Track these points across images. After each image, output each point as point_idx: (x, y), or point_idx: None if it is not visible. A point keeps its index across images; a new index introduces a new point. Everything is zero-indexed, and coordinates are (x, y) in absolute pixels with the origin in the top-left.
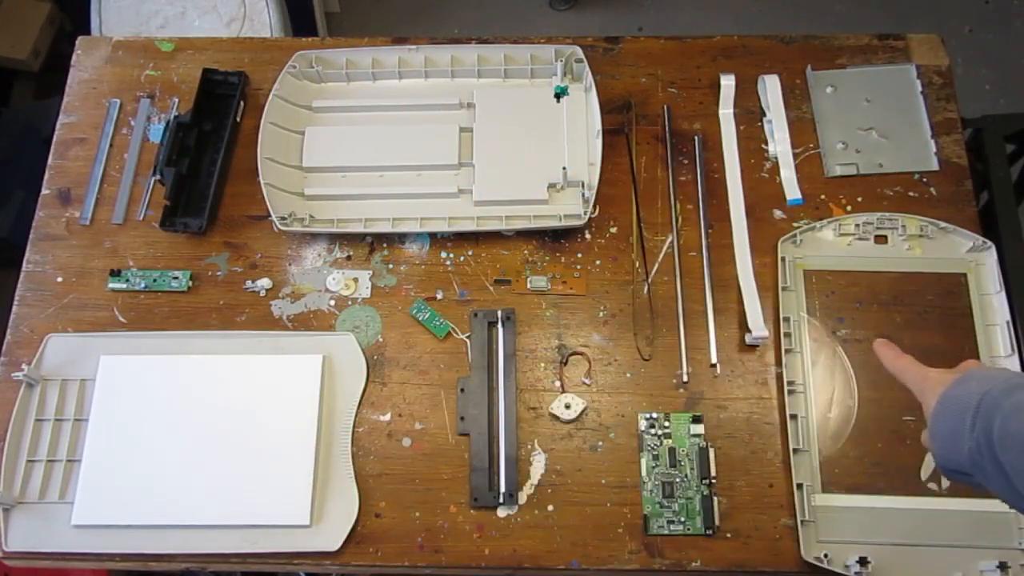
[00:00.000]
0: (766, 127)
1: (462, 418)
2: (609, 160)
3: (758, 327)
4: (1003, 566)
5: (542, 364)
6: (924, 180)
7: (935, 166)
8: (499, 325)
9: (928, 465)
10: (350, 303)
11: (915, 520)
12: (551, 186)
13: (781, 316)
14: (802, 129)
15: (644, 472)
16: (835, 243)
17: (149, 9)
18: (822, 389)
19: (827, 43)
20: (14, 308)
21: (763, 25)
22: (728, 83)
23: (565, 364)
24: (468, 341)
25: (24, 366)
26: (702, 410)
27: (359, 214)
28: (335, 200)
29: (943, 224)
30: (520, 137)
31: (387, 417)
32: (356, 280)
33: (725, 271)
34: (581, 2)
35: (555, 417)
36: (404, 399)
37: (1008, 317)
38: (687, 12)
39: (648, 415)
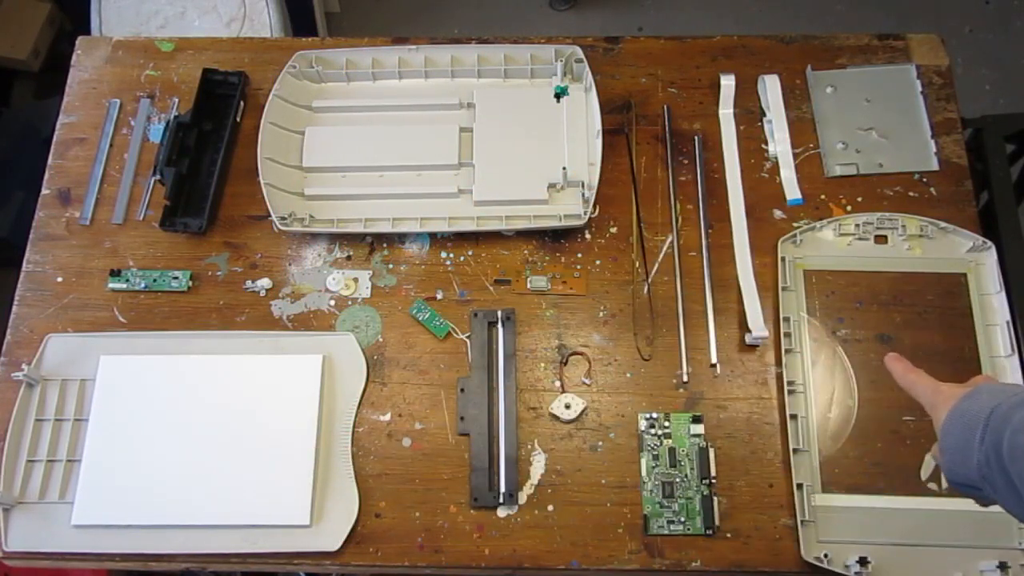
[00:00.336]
0: (766, 127)
1: (462, 418)
2: (609, 160)
3: (758, 327)
4: (1003, 566)
5: (542, 364)
6: (924, 180)
7: (935, 166)
8: (499, 325)
9: (928, 465)
10: (350, 303)
11: (915, 520)
12: (551, 186)
13: (781, 316)
14: (802, 129)
15: (644, 472)
16: (835, 243)
17: (149, 9)
18: (822, 389)
19: (827, 43)
20: (14, 308)
21: (763, 25)
22: (728, 83)
23: (565, 364)
24: (468, 341)
25: (24, 366)
26: (702, 410)
27: (359, 214)
28: (335, 200)
29: (943, 224)
30: (520, 137)
31: (387, 417)
32: (356, 280)
33: (725, 271)
34: (581, 2)
35: (555, 417)
36: (404, 399)
37: (1008, 317)
38: (687, 12)
39: (648, 415)
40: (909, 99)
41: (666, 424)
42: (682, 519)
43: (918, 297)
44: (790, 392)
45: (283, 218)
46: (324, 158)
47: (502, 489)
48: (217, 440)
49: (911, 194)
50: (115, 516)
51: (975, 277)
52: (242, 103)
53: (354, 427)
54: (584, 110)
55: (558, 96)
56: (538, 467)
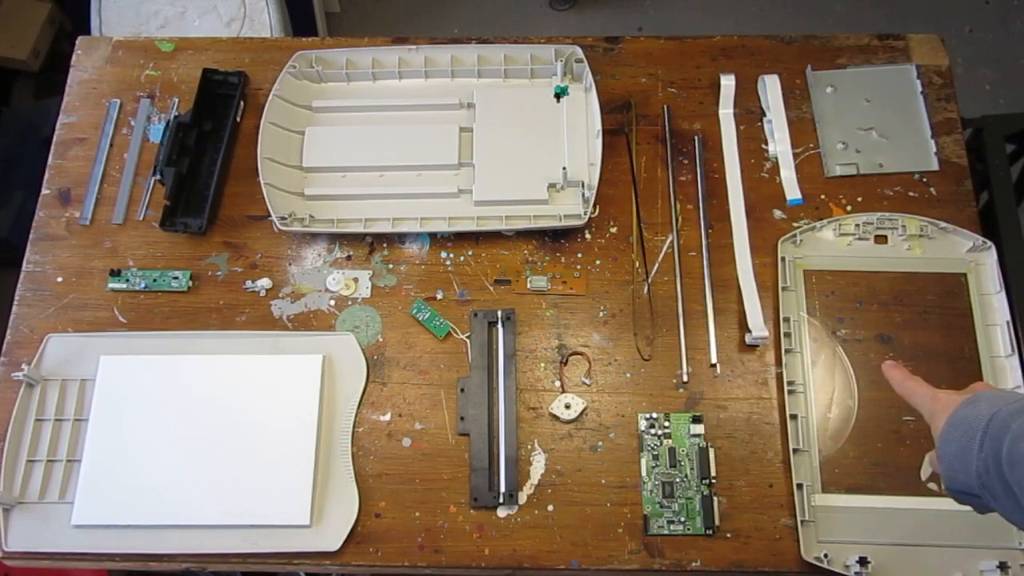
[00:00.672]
0: (766, 127)
1: (462, 418)
2: (609, 160)
3: (758, 327)
4: (1003, 566)
5: (542, 364)
6: (924, 180)
7: (935, 166)
8: (499, 325)
9: (927, 465)
10: (350, 303)
11: (915, 520)
12: (551, 186)
13: (781, 316)
14: (802, 129)
15: (644, 472)
16: (835, 243)
17: (149, 9)
18: (822, 389)
19: (827, 43)
20: (14, 308)
21: (763, 25)
22: (728, 83)
23: (565, 364)
24: (468, 341)
25: (24, 366)
26: (702, 410)
27: (359, 214)
28: (335, 200)
29: (943, 224)
30: (520, 137)
31: (387, 417)
32: (356, 280)
33: (725, 271)
34: (581, 2)
35: (555, 417)
36: (404, 399)
37: (1008, 317)
38: (687, 12)
39: (648, 415)
40: (909, 99)
41: (666, 424)
42: (682, 519)
43: (918, 297)
44: (790, 392)
45: (283, 218)
46: (324, 158)
47: (502, 489)
48: (217, 440)
49: (911, 194)
50: (115, 516)
51: (975, 277)
52: (242, 103)
53: (354, 427)
54: (584, 110)
55: (558, 96)
56: (538, 467)
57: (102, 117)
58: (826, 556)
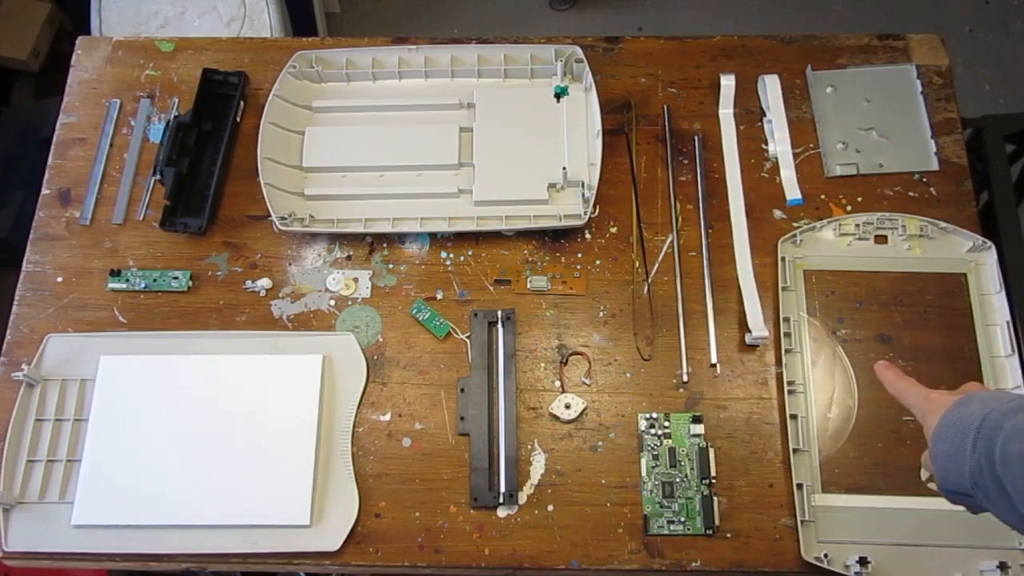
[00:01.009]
0: (766, 127)
1: (462, 418)
2: (609, 160)
3: (758, 327)
4: (1003, 566)
5: (542, 364)
6: (924, 180)
7: (935, 166)
8: (499, 325)
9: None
10: (350, 303)
11: (915, 520)
12: (551, 186)
13: (781, 316)
14: (802, 129)
15: (644, 472)
16: (835, 243)
17: (149, 9)
18: (822, 389)
19: (827, 43)
20: (14, 308)
21: (763, 25)
22: (728, 83)
23: (565, 364)
24: (468, 341)
25: (24, 366)
26: (702, 410)
27: (359, 214)
28: (335, 200)
29: (943, 224)
30: (520, 137)
31: (387, 417)
32: (356, 280)
33: (725, 271)
34: (581, 2)
35: (555, 417)
36: (404, 399)
37: (1008, 317)
38: (687, 12)
39: (648, 415)
40: (909, 99)
41: (666, 424)
42: (682, 519)
43: (918, 297)
44: (790, 392)
45: (283, 218)
46: (324, 158)
47: (502, 489)
48: (217, 440)
49: (911, 194)
50: (115, 516)
51: (975, 277)
52: (242, 103)
53: (354, 427)
54: (584, 110)
55: (558, 96)
56: (538, 467)
57: (102, 117)
58: (826, 556)
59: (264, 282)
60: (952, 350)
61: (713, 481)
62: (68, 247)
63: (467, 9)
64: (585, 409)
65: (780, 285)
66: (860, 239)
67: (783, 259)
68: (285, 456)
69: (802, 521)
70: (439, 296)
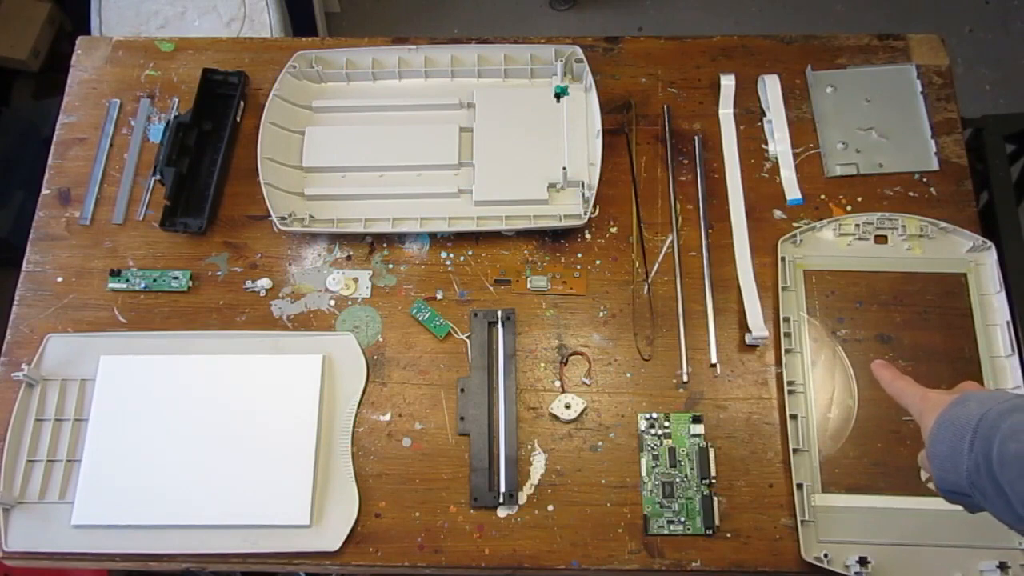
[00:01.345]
0: (766, 127)
1: (462, 418)
2: (609, 160)
3: (758, 327)
4: (1003, 566)
5: (542, 364)
6: (924, 180)
7: (935, 166)
8: (499, 325)
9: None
10: (350, 303)
11: (915, 520)
12: (551, 186)
13: (781, 316)
14: (802, 129)
15: (644, 472)
16: (835, 243)
17: (149, 9)
18: (822, 389)
19: (827, 43)
20: (14, 308)
21: (763, 25)
22: (728, 83)
23: (565, 364)
24: (468, 341)
25: (24, 366)
26: (702, 410)
27: (359, 214)
28: (335, 200)
29: (943, 224)
30: (520, 137)
31: (387, 417)
32: (356, 280)
33: (725, 271)
34: (581, 2)
35: (555, 417)
36: (404, 399)
37: (1008, 317)
38: (687, 12)
39: (648, 415)
40: (909, 99)
41: (666, 424)
42: (682, 519)
43: (918, 297)
44: (790, 392)
45: (283, 218)
46: (324, 158)
47: (502, 489)
48: (217, 440)
49: (911, 194)
50: (115, 516)
51: (975, 277)
52: (242, 103)
53: (354, 427)
54: (584, 110)
55: (558, 96)
56: (538, 467)
57: (102, 117)
58: (826, 556)
59: (264, 282)
60: (952, 350)
61: (713, 481)
62: (68, 247)
63: (467, 9)
64: (585, 409)
65: (780, 285)
66: (860, 239)
67: (783, 259)
68: (285, 456)
69: (802, 521)
70: (439, 296)
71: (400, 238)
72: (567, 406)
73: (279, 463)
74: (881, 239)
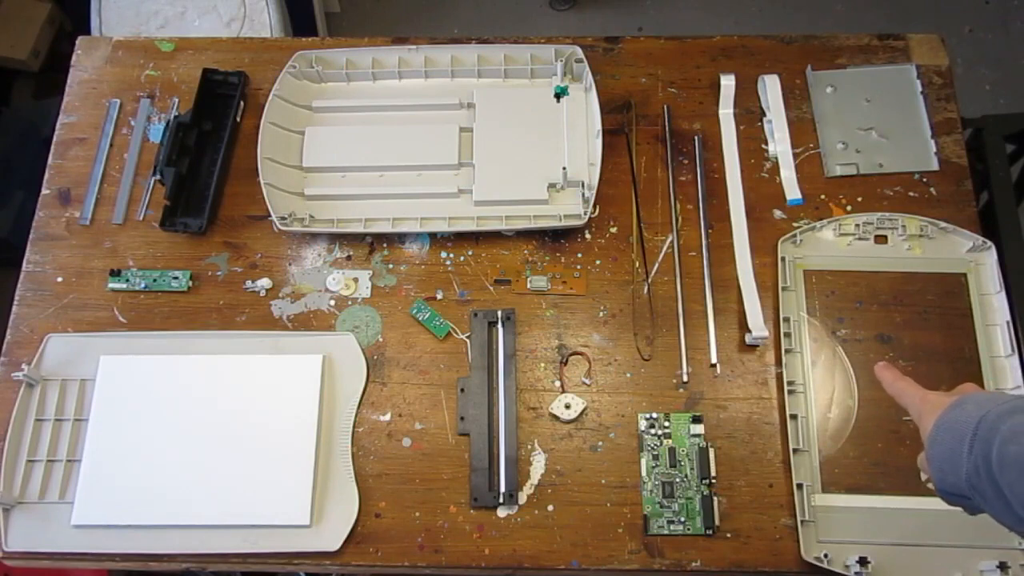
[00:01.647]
0: (766, 127)
1: (462, 418)
2: (609, 160)
3: (758, 327)
4: (1003, 566)
5: (542, 364)
6: (924, 180)
7: (935, 166)
8: (499, 325)
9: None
10: (350, 303)
11: (915, 520)
12: (551, 186)
13: (781, 316)
14: (802, 129)
15: (644, 472)
16: (835, 243)
17: (149, 9)
18: (822, 389)
19: (827, 43)
20: (14, 308)
21: (763, 25)
22: (728, 83)
23: (565, 364)
24: (468, 341)
25: (24, 366)
26: (702, 410)
27: (359, 214)
28: (335, 200)
29: (943, 224)
30: (520, 137)
31: (387, 417)
32: (356, 280)
33: (725, 271)
34: (581, 2)
35: (555, 417)
36: (404, 399)
37: (1008, 317)
38: (687, 12)
39: (648, 415)
40: (909, 99)
41: (666, 424)
42: (682, 519)
43: (918, 297)
44: (790, 392)
45: (283, 218)
46: (324, 158)
47: (502, 489)
48: (217, 440)
49: (911, 194)
50: (115, 516)
51: (975, 277)
52: (242, 103)
53: (354, 427)
54: (584, 110)
55: (558, 96)
56: (538, 467)
57: (102, 117)
58: (826, 556)
59: (264, 282)
60: (952, 350)
61: (713, 481)
62: (68, 247)
63: (467, 9)
64: (585, 409)
65: (780, 285)
66: (860, 239)
67: (783, 259)
68: (285, 456)
69: (802, 521)
70: (439, 296)
71: (400, 238)
72: (567, 406)
73: (279, 463)
74: (881, 239)
